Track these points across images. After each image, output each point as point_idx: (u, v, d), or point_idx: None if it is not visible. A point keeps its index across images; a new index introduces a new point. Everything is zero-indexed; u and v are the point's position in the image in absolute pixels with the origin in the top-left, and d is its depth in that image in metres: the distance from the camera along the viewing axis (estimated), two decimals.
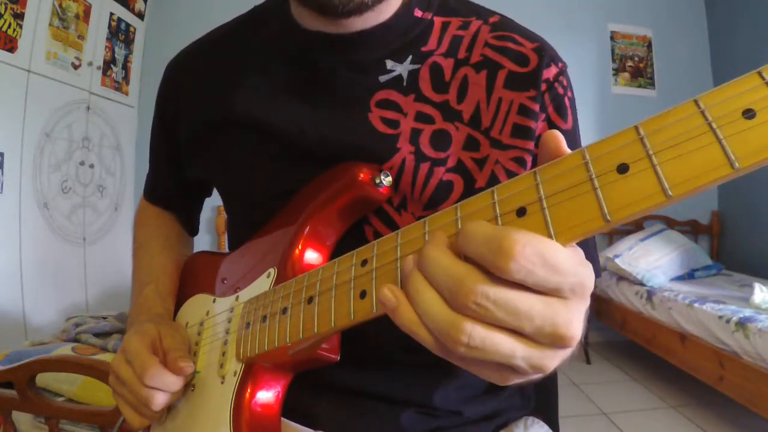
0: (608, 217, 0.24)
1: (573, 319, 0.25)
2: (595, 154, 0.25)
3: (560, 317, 0.25)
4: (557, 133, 0.28)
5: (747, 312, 1.78)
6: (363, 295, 0.32)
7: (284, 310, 0.40)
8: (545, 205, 0.26)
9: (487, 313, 0.24)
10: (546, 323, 0.24)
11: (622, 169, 0.24)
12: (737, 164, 0.21)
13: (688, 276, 2.49)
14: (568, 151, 0.27)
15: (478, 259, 0.25)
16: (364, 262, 0.33)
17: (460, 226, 0.29)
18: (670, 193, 0.22)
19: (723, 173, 0.21)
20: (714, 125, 0.22)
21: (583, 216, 0.24)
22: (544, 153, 0.28)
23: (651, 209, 0.23)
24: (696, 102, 0.23)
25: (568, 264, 0.24)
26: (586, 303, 0.26)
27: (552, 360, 0.26)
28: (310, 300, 0.37)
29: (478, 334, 0.24)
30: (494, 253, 0.24)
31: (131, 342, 0.47)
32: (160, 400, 0.45)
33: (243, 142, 0.53)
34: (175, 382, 0.46)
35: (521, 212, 0.27)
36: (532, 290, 0.24)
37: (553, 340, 0.25)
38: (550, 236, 0.25)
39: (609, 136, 0.25)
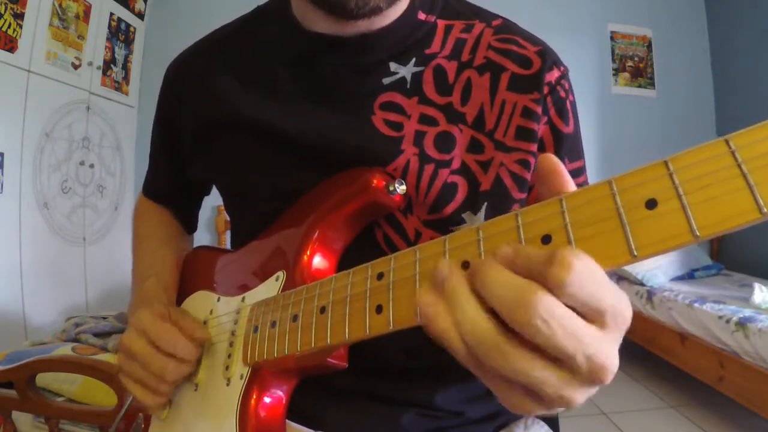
0: (635, 253, 0.23)
1: (615, 351, 0.24)
2: (622, 185, 0.25)
3: (606, 347, 0.23)
4: (552, 156, 0.28)
5: (747, 312, 1.78)
6: (379, 309, 0.32)
7: (294, 318, 0.39)
8: (571, 235, 0.25)
9: (549, 331, 0.22)
10: (596, 352, 0.23)
11: (651, 204, 0.24)
12: (765, 209, 0.21)
13: (688, 276, 2.50)
14: (569, 178, 0.27)
15: (532, 275, 0.24)
16: (380, 275, 0.33)
17: (482, 248, 0.28)
18: (698, 233, 0.22)
19: (751, 218, 0.21)
20: (744, 168, 0.22)
21: (610, 249, 0.24)
22: (540, 177, 0.28)
23: (677, 248, 0.23)
24: (727, 142, 0.23)
25: (611, 286, 0.23)
26: (622, 336, 0.25)
27: (583, 394, 0.25)
28: (322, 310, 0.36)
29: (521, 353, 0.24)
30: (550, 265, 0.23)
31: (143, 316, 0.47)
32: (173, 369, 0.45)
33: (245, 143, 0.53)
34: (190, 349, 0.46)
35: (546, 239, 0.26)
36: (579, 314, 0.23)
37: (594, 370, 0.23)
38: None
39: (636, 169, 0.25)
